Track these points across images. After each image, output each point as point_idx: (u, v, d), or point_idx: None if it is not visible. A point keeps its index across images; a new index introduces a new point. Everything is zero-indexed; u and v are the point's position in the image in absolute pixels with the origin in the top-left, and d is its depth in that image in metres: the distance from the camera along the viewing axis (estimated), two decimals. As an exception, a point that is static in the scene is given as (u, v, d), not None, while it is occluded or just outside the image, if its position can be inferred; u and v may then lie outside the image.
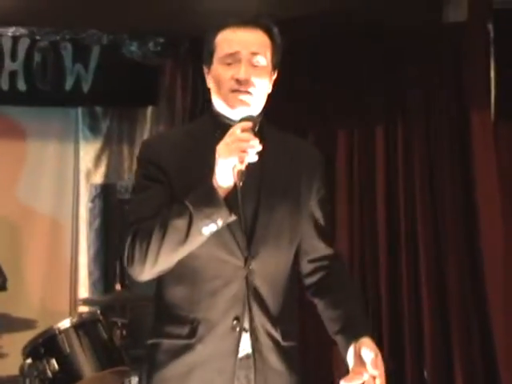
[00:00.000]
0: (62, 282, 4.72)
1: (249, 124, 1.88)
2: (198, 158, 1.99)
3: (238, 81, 1.97)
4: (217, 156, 1.87)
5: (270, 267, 2.02)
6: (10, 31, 4.44)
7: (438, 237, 3.86)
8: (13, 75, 4.43)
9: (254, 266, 1.98)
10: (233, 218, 1.89)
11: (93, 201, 4.78)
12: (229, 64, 1.99)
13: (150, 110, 4.88)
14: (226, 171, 1.86)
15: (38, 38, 4.48)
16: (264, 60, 2.01)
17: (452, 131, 3.86)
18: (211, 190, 1.87)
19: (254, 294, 1.98)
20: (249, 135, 1.87)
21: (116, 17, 4.25)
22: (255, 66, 1.99)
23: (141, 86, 4.71)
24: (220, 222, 1.89)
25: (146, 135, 4.85)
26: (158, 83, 4.74)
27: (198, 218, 1.87)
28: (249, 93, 1.98)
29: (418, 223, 3.88)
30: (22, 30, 4.44)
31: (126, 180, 4.77)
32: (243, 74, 1.96)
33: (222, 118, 2.03)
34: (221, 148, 1.88)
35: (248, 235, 1.98)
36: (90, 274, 4.71)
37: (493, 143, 3.77)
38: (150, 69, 4.69)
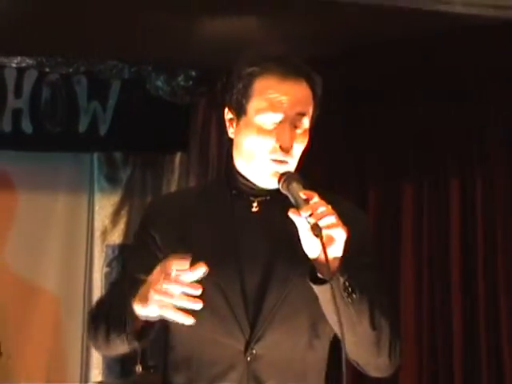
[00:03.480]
0: (71, 364, 4.57)
1: (185, 265, 1.74)
2: (206, 223, 1.94)
3: (280, 148, 1.87)
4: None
5: (281, 353, 1.91)
6: (15, 62, 4.32)
7: None
8: (17, 114, 4.31)
9: (259, 351, 1.88)
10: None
11: (109, 265, 4.60)
12: (269, 123, 1.88)
13: (178, 156, 4.78)
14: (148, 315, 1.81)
15: (47, 69, 4.36)
16: (307, 121, 1.92)
17: None
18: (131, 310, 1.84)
19: None
20: (179, 286, 1.74)
21: (140, 45, 4.05)
22: (298, 130, 1.90)
23: (168, 129, 4.59)
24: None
25: (173, 187, 4.75)
26: (188, 125, 4.63)
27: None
28: (287, 163, 1.89)
29: (501, 293, 3.57)
30: (28, 61, 4.33)
31: None
32: (288, 143, 1.87)
33: (243, 180, 1.95)
34: (143, 291, 1.81)
35: (252, 313, 1.89)
36: None
37: None
38: (179, 108, 4.58)
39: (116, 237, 4.67)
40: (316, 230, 1.71)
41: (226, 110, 1.95)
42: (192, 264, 1.78)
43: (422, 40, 3.66)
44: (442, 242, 3.81)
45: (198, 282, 1.78)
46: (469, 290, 3.68)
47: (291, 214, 1.74)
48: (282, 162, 1.88)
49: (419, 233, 3.89)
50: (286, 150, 1.87)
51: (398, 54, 3.77)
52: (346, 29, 3.55)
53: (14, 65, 4.28)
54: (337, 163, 4.04)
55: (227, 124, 1.96)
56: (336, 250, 1.74)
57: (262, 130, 1.88)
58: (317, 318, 1.91)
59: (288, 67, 1.89)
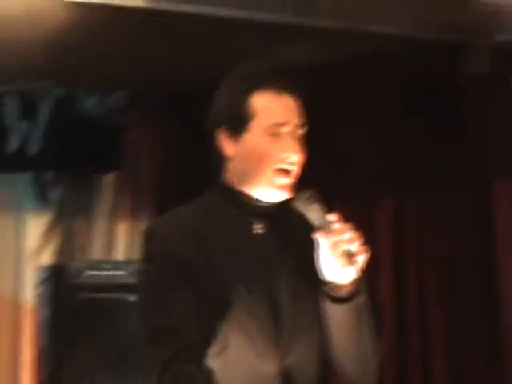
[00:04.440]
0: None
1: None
2: (216, 245, 1.87)
3: (287, 159, 1.88)
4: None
5: (304, 369, 1.89)
6: None
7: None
8: None
9: (289, 370, 1.85)
10: None
11: (39, 286, 4.31)
12: (274, 135, 1.89)
13: (111, 176, 4.69)
14: None
15: (-27, 89, 4.31)
16: (303, 132, 1.94)
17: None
18: None
19: None
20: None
21: (71, 65, 4.02)
22: (298, 141, 1.91)
23: (101, 148, 4.53)
24: None
25: (105, 206, 4.66)
26: (121, 145, 4.57)
27: None
28: (292, 173, 1.90)
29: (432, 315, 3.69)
30: (-49, 80, 4.26)
31: (80, 261, 4.45)
32: (296, 151, 1.89)
33: (240, 195, 1.92)
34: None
35: (275, 335, 1.86)
36: (35, 377, 4.25)
37: None
38: (111, 127, 4.53)
39: (46, 257, 4.54)
40: (348, 256, 1.76)
41: (219, 129, 1.91)
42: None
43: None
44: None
45: (230, 303, 1.80)
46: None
47: (318, 236, 1.78)
48: (287, 172, 1.89)
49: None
50: (293, 159, 1.88)
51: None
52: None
53: None
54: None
55: (222, 143, 1.92)
56: (357, 272, 1.79)
57: (268, 143, 1.88)
58: (322, 335, 1.93)
59: (280, 82, 1.92)
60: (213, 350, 1.81)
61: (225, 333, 1.82)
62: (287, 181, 1.89)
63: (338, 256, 1.78)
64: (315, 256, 1.85)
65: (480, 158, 3.62)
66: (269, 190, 1.90)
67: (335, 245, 1.78)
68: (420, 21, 3.32)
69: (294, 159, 1.88)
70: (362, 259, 1.78)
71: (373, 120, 3.81)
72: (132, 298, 4.01)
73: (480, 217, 3.66)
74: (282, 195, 1.89)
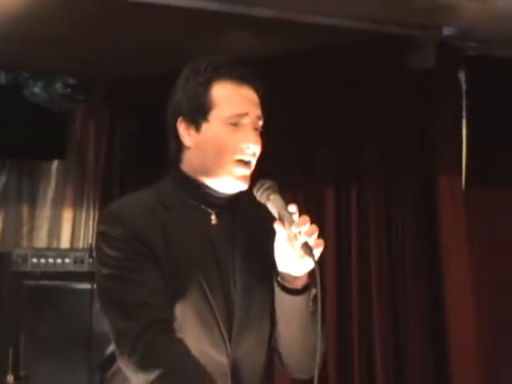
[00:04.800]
0: None
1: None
2: (176, 232, 1.87)
3: (247, 149, 1.88)
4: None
5: (251, 362, 1.91)
6: None
7: (396, 314, 3.62)
8: None
9: (238, 361, 1.87)
10: None
11: None
12: (234, 125, 1.88)
13: (55, 164, 4.67)
14: None
15: None
16: (261, 124, 1.93)
17: (416, 196, 3.65)
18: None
19: None
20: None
21: (17, 51, 3.96)
22: (257, 133, 1.90)
23: (45, 136, 4.50)
24: None
25: (50, 194, 4.66)
26: (66, 133, 4.56)
27: None
28: (251, 164, 1.89)
29: (374, 307, 3.64)
30: None
31: (25, 248, 4.34)
32: (255, 142, 1.88)
33: (199, 186, 1.91)
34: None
35: (228, 325, 1.86)
36: None
37: (463, 209, 3.55)
38: (56, 115, 4.48)
39: (-10, 244, 4.47)
40: (307, 248, 1.73)
41: (179, 119, 1.89)
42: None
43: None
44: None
45: (188, 290, 1.80)
46: (344, 297, 3.71)
47: (277, 226, 1.75)
48: (246, 163, 1.87)
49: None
50: (253, 149, 1.87)
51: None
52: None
53: None
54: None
55: (181, 133, 1.89)
56: (312, 264, 1.77)
57: (228, 134, 1.86)
58: (271, 326, 1.93)
59: (239, 73, 1.90)
60: None
61: (182, 319, 1.81)
62: (246, 172, 1.87)
63: (296, 248, 1.75)
64: (272, 247, 1.83)
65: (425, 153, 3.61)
66: (228, 181, 1.88)
67: (294, 237, 1.75)
68: (367, 13, 3.32)
69: (253, 150, 1.87)
70: (318, 252, 1.75)
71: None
72: (77, 285, 4.00)
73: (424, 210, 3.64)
74: (241, 186, 1.88)
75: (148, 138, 4.20)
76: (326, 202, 3.79)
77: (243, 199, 1.93)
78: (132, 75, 4.20)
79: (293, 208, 1.76)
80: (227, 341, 1.85)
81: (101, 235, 1.87)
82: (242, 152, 1.86)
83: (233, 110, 1.86)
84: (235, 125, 1.87)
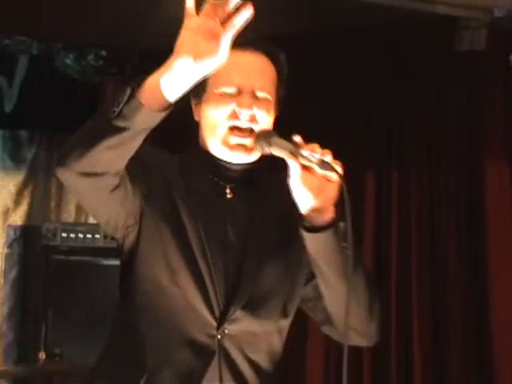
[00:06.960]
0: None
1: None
2: (184, 197, 1.88)
3: (240, 114, 1.84)
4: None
5: (252, 335, 1.88)
6: None
7: (435, 305, 3.58)
8: None
9: (231, 331, 1.84)
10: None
11: (10, 246, 4.38)
12: (228, 95, 1.86)
13: None
14: (179, 80, 1.65)
15: None
16: (268, 95, 1.88)
17: (461, 182, 3.57)
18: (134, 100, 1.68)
19: (228, 365, 1.84)
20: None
21: (49, 21, 3.92)
22: (259, 99, 1.86)
23: (77, 108, 4.32)
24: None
25: None
26: (97, 105, 4.37)
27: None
28: (251, 134, 1.84)
29: (413, 296, 3.59)
30: None
31: (54, 222, 4.36)
32: (247, 105, 1.84)
33: (210, 159, 1.91)
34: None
35: (229, 293, 1.85)
36: (2, 337, 4.26)
37: (510, 195, 3.47)
38: (88, 87, 4.44)
39: (18, 217, 4.57)
40: (326, 164, 1.69)
41: (190, 95, 1.87)
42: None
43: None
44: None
45: (186, 237, 1.81)
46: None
47: (289, 160, 1.72)
48: (243, 132, 1.84)
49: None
50: (245, 116, 1.83)
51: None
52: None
53: None
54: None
55: (193, 108, 1.92)
56: (333, 189, 1.72)
57: (221, 100, 1.85)
58: (287, 298, 1.91)
59: (245, 41, 1.81)
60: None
61: (178, 270, 1.82)
62: (242, 140, 1.84)
63: (315, 173, 1.72)
64: (297, 232, 1.80)
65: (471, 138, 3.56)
66: (224, 151, 1.87)
67: (309, 168, 1.72)
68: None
69: (247, 114, 1.83)
70: (339, 169, 1.71)
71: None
72: (106, 261, 4.01)
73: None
74: (240, 156, 1.86)
75: (175, 110, 4.19)
76: (366, 188, 3.76)
77: (268, 182, 1.93)
78: (163, 49, 4.17)
79: (297, 138, 1.74)
80: (222, 308, 1.83)
81: None
82: (235, 117, 1.83)
83: (223, 82, 1.85)
84: (229, 94, 1.85)
